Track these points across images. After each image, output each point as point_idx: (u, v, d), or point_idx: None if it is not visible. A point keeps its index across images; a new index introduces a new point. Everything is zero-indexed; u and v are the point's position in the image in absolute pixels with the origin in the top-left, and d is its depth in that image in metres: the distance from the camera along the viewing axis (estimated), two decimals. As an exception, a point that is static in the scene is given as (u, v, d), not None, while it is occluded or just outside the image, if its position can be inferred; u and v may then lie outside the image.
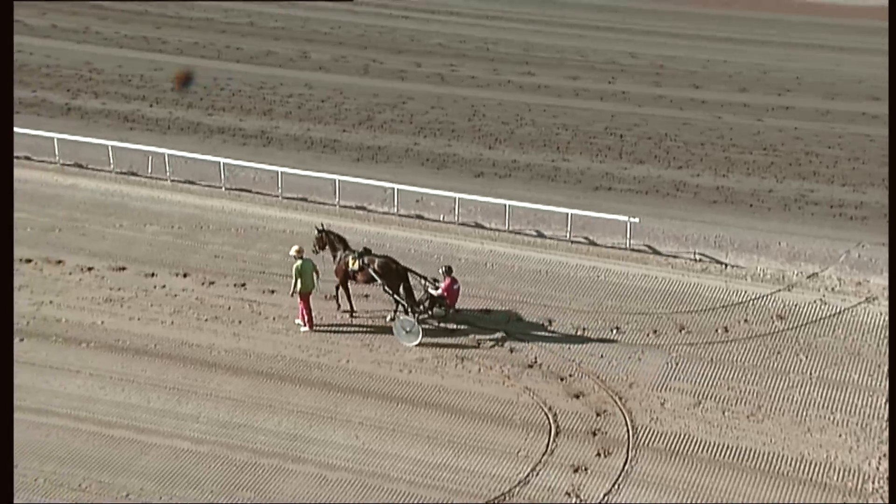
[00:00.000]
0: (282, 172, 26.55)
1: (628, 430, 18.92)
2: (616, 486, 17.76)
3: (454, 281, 21.63)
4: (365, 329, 21.62)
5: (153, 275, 23.19)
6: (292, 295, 21.31)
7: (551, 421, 19.26)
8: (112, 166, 27.79)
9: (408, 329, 21.19)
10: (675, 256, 24.23)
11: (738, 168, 28.33)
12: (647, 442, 18.73)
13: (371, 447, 18.63)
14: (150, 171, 27.66)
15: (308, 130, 30.72)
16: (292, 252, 21.31)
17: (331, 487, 17.85)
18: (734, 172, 28.09)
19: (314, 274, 21.33)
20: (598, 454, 18.47)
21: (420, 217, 25.96)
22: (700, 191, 27.08)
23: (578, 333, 21.60)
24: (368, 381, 20.17)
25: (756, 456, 18.38)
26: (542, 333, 21.61)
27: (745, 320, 21.84)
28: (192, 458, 18.36)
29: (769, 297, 22.62)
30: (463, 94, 33.40)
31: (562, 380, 20.32)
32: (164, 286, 22.86)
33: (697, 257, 24.09)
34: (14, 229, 24.47)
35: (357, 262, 21.54)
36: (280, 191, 26.66)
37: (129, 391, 19.84)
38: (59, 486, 17.66)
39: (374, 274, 21.43)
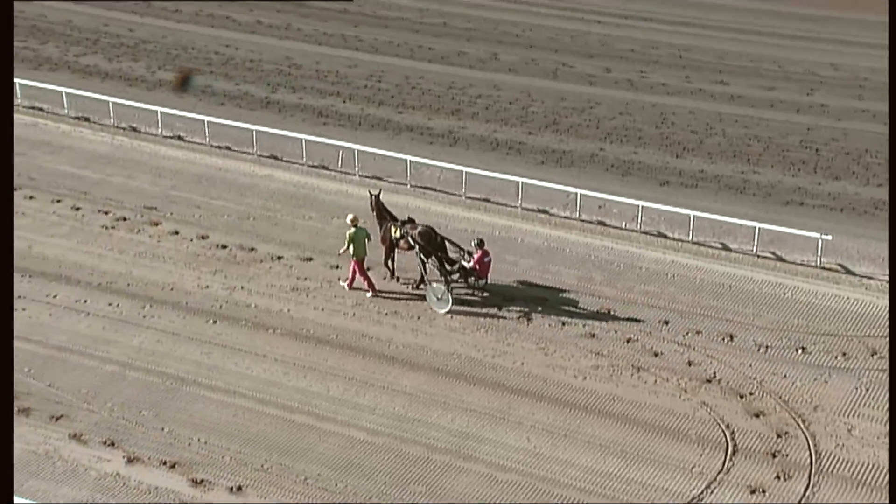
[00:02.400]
0: (466, 172, 26.78)
1: (811, 455, 18.16)
2: (794, 513, 17.09)
3: (486, 254, 22.35)
4: (531, 332, 21.55)
5: (338, 267, 23.81)
6: (340, 254, 22.85)
7: (728, 438, 18.70)
8: (305, 159, 28.69)
9: (439, 296, 22.10)
10: (869, 278, 23.10)
11: (943, 188, 26.74)
12: (831, 468, 17.93)
13: (542, 451, 18.55)
14: (339, 165, 28.42)
15: (494, 132, 30.87)
16: (348, 220, 22.62)
17: (500, 488, 17.88)
18: (938, 192, 26.53)
19: (366, 241, 22.57)
20: (778, 477, 17.80)
21: (602, 223, 25.68)
22: (900, 210, 25.74)
23: (761, 351, 20.89)
24: (542, 385, 20.10)
25: (949, 494, 17.31)
26: (723, 348, 21.01)
27: (944, 349, 20.61)
28: (367, 448, 18.76)
29: (971, 326, 21.25)
30: (652, 101, 32.84)
31: (741, 397, 19.69)
32: (346, 279, 23.41)
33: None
34: (215, 216, 25.70)
35: (399, 230, 22.62)
36: (464, 190, 26.90)
37: (311, 378, 20.44)
38: (243, 465, 18.38)
39: (412, 241, 22.41)
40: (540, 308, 22.27)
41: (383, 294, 22.85)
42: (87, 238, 25.12)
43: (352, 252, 22.57)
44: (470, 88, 33.98)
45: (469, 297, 22.63)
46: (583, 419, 19.23)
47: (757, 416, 19.19)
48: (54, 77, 33.84)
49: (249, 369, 20.70)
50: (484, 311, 22.24)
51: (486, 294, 22.56)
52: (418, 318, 22.09)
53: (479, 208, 26.50)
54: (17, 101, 32.00)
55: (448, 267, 22.43)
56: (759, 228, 23.97)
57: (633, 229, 25.30)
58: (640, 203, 25.14)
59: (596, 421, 19.19)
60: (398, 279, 23.22)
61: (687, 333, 21.46)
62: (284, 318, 22.18)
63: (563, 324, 21.80)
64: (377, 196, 23.46)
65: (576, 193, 25.77)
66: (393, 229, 22.93)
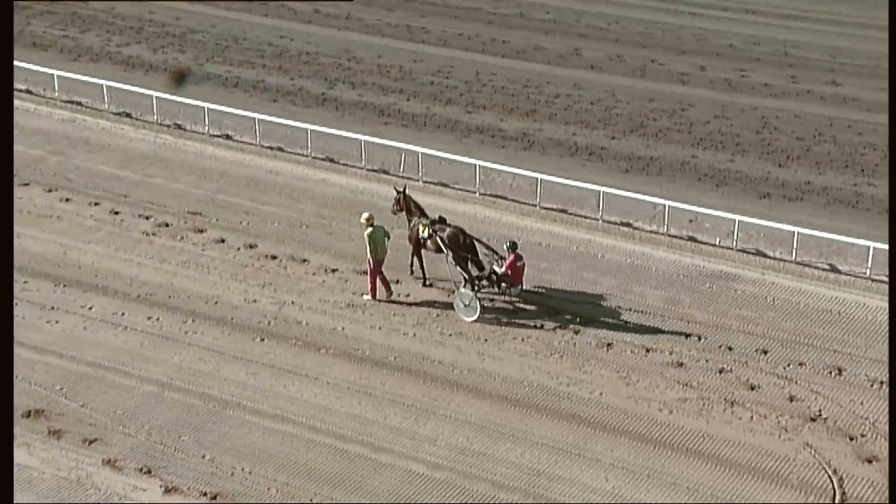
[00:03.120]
0: (541, 179, 26.84)
1: (928, 508, 17.85)
2: (908, 572, 16.79)
3: (518, 258, 22.73)
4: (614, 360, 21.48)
5: (398, 282, 23.98)
6: (369, 263, 23.05)
7: (836, 486, 18.45)
8: (364, 163, 28.98)
9: (466, 303, 22.70)
10: None
11: None
12: (950, 523, 17.59)
13: (623, 493, 18.47)
14: (401, 169, 28.65)
15: (573, 135, 30.88)
16: (362, 219, 23.06)
17: (574, 533, 17.84)
18: None
19: (385, 239, 23.07)
20: (889, 531, 17.52)
21: (692, 239, 25.54)
22: None
23: (874, 387, 20.59)
24: (623, 419, 20.03)
25: None
26: (829, 383, 20.74)
27: None
28: (427, 483, 18.84)
29: None
30: (752, 104, 32.59)
31: (851, 439, 19.42)
32: (408, 295, 23.60)
33: None
34: (264, 223, 26.06)
35: (427, 229, 23.25)
36: (538, 200, 26.95)
37: (366, 404, 20.61)
38: (291, 498, 18.56)
39: (441, 243, 22.99)
40: (621, 333, 22.19)
41: (411, 302, 22.99)
42: (125, 245, 25.64)
43: (369, 254, 23.02)
44: (547, 87, 34.04)
45: (542, 322, 22.65)
46: (668, 458, 19.12)
47: (869, 461, 18.90)
48: (94, 69, 34.64)
49: (299, 393, 20.94)
50: (559, 334, 22.24)
51: (528, 306, 22.71)
52: (485, 340, 22.17)
53: (555, 220, 26.53)
54: (54, 94, 32.86)
55: (477, 271, 22.99)
56: (873, 248, 23.64)
57: (727, 246, 25.11)
58: (737, 217, 24.95)
59: (683, 460, 19.06)
60: (430, 284, 23.71)
61: (788, 365, 21.22)
62: (338, 337, 22.40)
63: (648, 350, 21.70)
64: (403, 192, 24.05)
65: (664, 205, 25.67)
66: (421, 227, 23.51)
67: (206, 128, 30.94)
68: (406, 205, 24.10)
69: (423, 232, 23.49)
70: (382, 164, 29.04)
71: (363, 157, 29.00)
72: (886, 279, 23.64)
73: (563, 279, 24.04)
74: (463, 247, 23.15)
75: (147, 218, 26.72)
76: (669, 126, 31.22)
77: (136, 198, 27.68)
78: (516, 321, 22.69)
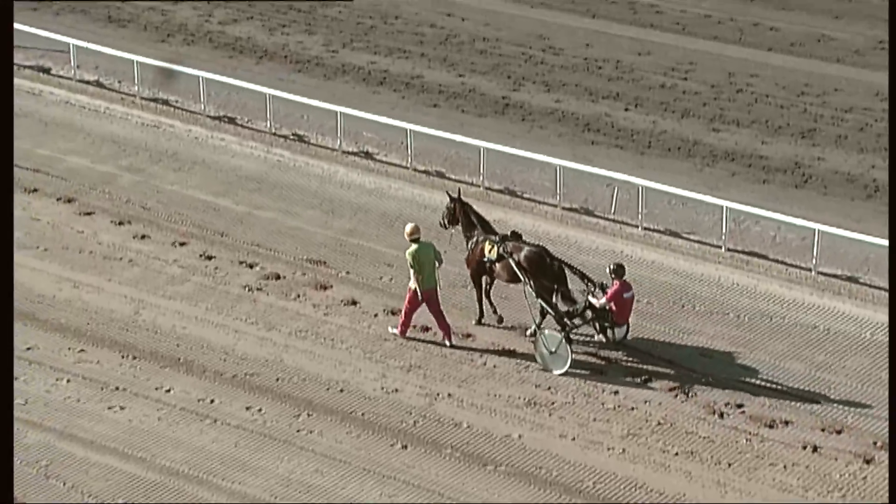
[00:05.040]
0: (820, 232, 26.45)
1: None
2: None
3: (625, 286, 23.47)
4: None
5: (602, 373, 23.95)
6: (414, 290, 24.13)
7: None
8: (558, 198, 29.04)
9: (552, 349, 23.56)
10: None
11: None
12: None
13: None
14: (612, 209, 28.68)
15: (871, 168, 30.35)
16: (406, 231, 24.28)
17: None
18: None
19: (436, 263, 24.12)
20: None
21: None
22: None
23: None
24: None
25: None
26: None
27: None
28: None
29: None
30: None
31: None
32: (615, 392, 23.54)
33: None
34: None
35: (495, 249, 23.95)
36: (815, 262, 26.56)
37: (550, 550, 20.60)
38: None
39: (517, 268, 23.50)
40: None
41: (617, 403, 22.92)
42: (220, 303, 26.25)
43: (413, 280, 24.02)
44: (833, 96, 33.59)
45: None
46: None
47: None
48: (189, 55, 35.75)
49: (450, 525, 21.13)
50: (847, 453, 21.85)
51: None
52: (728, 464, 21.88)
53: (837, 290, 26.12)
54: (133, 88, 34.05)
55: (568, 307, 23.58)
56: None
57: None
58: None
59: None
60: (500, 319, 24.82)
61: None
62: (513, 448, 22.44)
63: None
64: (458, 198, 24.76)
65: None
66: (487, 246, 24.03)
67: (339, 142, 31.56)
68: (463, 216, 24.66)
69: (489, 252, 24.01)
70: (585, 202, 29.12)
71: (558, 189, 29.10)
72: None
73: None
74: (548, 272, 23.61)
75: (251, 267, 27.32)
76: None
77: (238, 238, 28.34)
78: (775, 439, 22.32)
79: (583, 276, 24.08)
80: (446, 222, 25.42)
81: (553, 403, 23.37)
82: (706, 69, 35.08)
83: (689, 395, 23.35)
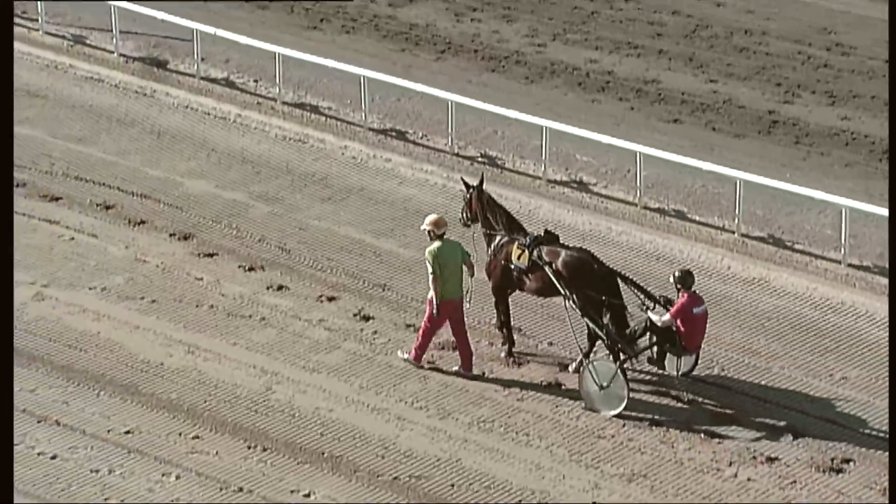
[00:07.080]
0: None
1: None
2: None
3: (696, 300, 23.79)
4: None
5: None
6: (436, 301, 25.23)
7: None
8: (843, 253, 28.95)
9: (603, 383, 24.13)
10: None
11: None
12: None
13: None
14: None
15: None
16: (425, 224, 25.51)
17: None
18: None
19: (463, 267, 25.22)
20: None
21: None
22: None
23: None
24: None
25: None
26: None
27: None
28: None
29: None
30: None
31: None
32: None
33: None
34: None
35: (526, 254, 24.56)
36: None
37: None
38: None
39: (554, 277, 23.99)
40: None
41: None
42: (379, 380, 26.41)
43: (433, 288, 25.15)
44: None
45: None
46: None
47: None
48: (348, 46, 36.40)
49: None
50: None
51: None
52: None
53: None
54: (275, 90, 34.70)
55: (620, 328, 23.85)
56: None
57: None
58: None
59: None
60: (511, 353, 26.18)
61: None
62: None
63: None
64: (478, 187, 25.83)
65: None
66: (515, 249, 24.52)
67: (543, 166, 31.86)
68: (483, 210, 25.32)
69: (517, 257, 24.49)
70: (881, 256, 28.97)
71: (843, 239, 29.02)
72: None
73: None
74: (596, 283, 24.00)
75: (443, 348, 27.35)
76: None
77: (404, 293, 28.75)
78: None
79: (641, 290, 24.52)
80: (465, 217, 26.14)
81: None
82: None
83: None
